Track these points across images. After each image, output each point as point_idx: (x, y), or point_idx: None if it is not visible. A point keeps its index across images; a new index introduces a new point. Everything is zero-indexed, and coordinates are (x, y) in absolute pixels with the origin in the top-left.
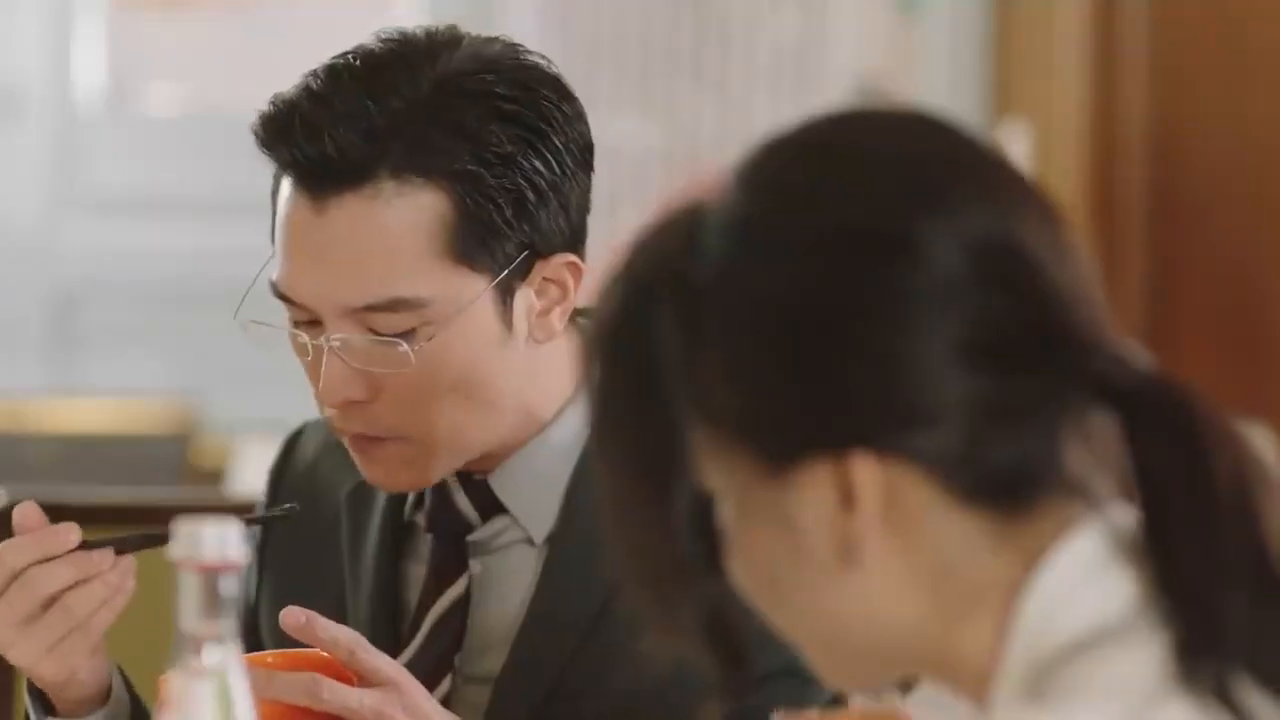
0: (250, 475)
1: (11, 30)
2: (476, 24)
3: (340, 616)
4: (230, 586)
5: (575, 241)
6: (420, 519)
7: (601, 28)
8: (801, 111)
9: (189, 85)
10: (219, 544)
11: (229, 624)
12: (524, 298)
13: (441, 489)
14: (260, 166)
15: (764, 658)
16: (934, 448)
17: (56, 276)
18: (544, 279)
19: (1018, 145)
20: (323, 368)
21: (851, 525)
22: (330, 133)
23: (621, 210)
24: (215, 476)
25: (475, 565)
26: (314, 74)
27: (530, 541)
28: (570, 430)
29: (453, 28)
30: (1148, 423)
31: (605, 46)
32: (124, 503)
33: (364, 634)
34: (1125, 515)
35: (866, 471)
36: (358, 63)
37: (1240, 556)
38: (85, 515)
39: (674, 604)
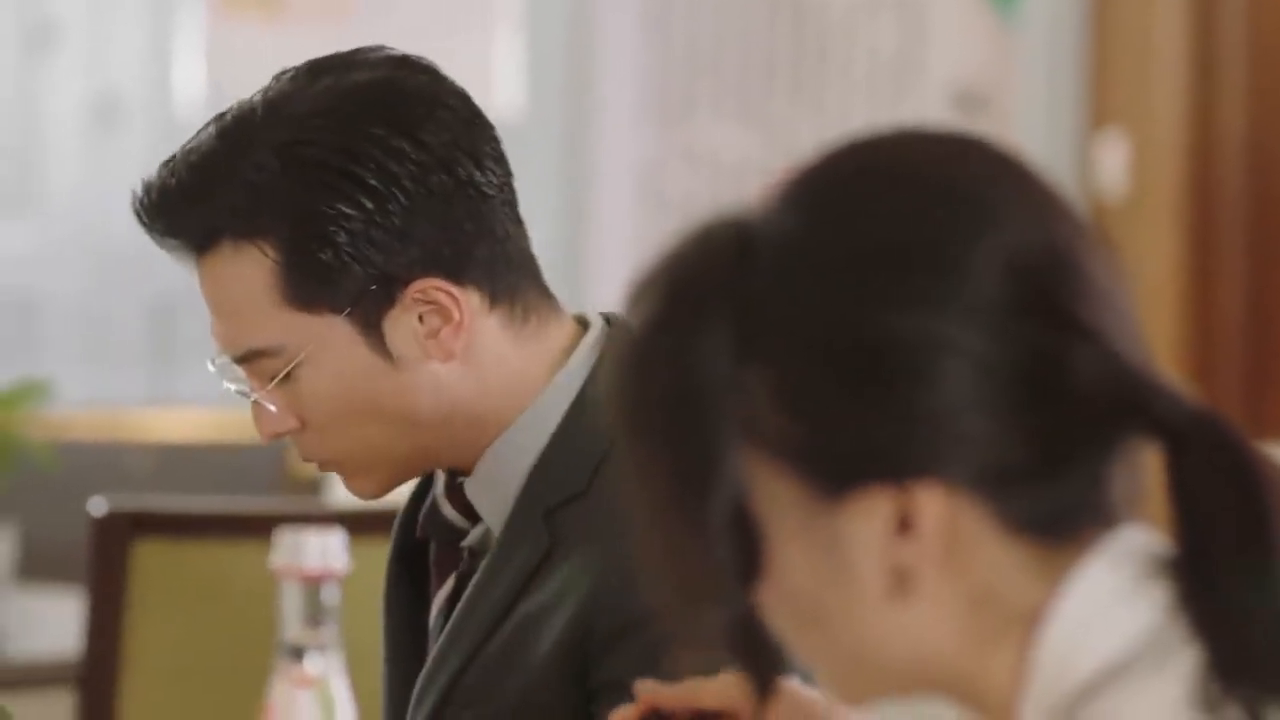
0: None
1: (112, 40)
2: (576, 35)
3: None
4: (332, 595)
5: (447, 265)
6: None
7: (701, 38)
8: (898, 120)
9: None
10: (321, 553)
11: (331, 632)
12: (403, 323)
13: (431, 496)
14: None
15: None
16: (992, 476)
17: (156, 286)
18: (416, 301)
19: (1116, 155)
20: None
21: (907, 553)
22: (170, 224)
23: None
24: (313, 486)
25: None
26: (166, 163)
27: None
28: (529, 433)
29: (314, 65)
30: (1200, 461)
31: (705, 57)
32: (222, 512)
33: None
34: (1143, 536)
35: (931, 500)
36: (192, 153)
37: None
38: (184, 524)
39: (704, 613)
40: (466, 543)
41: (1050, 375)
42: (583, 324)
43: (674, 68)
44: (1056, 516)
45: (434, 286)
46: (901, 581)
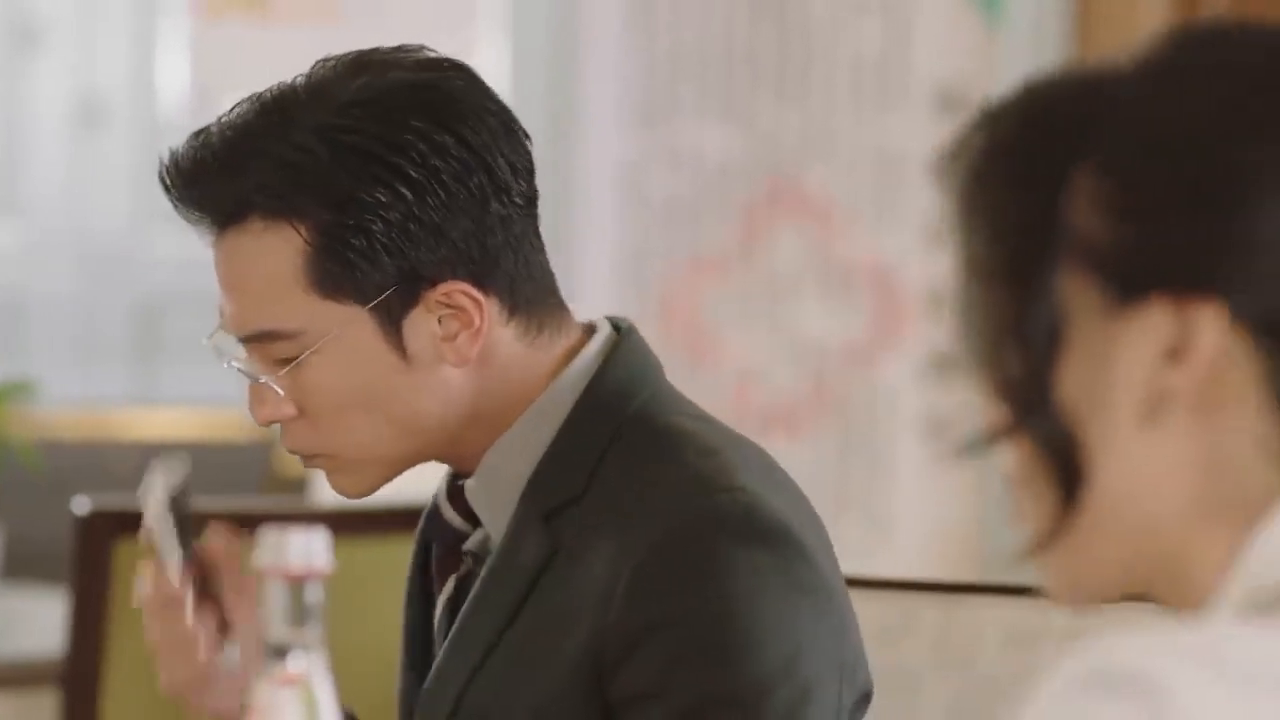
0: None
1: (96, 42)
2: (560, 35)
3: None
4: (316, 594)
5: (475, 270)
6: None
7: (685, 38)
8: (883, 121)
9: None
10: (305, 552)
11: (315, 631)
12: (423, 324)
13: (435, 497)
14: None
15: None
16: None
17: (141, 286)
18: (439, 304)
19: None
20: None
21: (1170, 379)
22: (200, 194)
23: (705, 218)
24: (297, 485)
25: (464, 567)
26: (198, 133)
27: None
28: (528, 436)
29: (358, 57)
30: None
31: (689, 57)
32: (207, 511)
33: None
34: None
35: (1211, 327)
36: (229, 126)
37: None
38: None
39: (1022, 410)
40: (467, 546)
41: None
42: (590, 331)
43: (657, 69)
44: None
45: (459, 290)
46: (1156, 408)
